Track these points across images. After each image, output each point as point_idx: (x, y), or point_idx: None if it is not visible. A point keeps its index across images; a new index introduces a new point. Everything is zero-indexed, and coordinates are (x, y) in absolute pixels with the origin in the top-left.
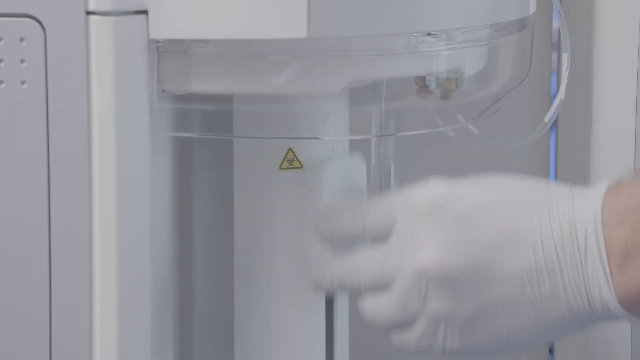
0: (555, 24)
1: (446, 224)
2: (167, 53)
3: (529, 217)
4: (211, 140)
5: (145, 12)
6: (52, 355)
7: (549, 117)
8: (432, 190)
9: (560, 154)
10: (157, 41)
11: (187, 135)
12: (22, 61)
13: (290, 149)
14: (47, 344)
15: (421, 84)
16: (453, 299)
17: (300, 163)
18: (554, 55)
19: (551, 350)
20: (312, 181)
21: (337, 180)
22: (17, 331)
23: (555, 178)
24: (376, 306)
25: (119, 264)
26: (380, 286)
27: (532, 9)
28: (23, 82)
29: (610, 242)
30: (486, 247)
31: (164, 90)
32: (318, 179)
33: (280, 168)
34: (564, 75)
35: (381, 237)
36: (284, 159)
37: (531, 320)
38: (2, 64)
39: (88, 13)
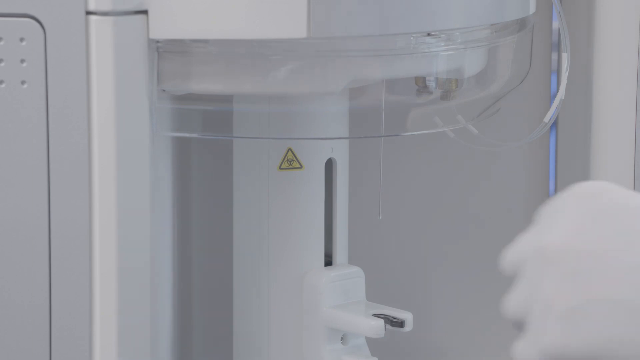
0: (555, 24)
1: (586, 211)
2: (167, 53)
3: None
4: (211, 140)
5: (145, 12)
6: (52, 355)
7: (549, 117)
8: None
9: (560, 154)
10: (157, 41)
11: (187, 135)
12: (22, 61)
13: (290, 149)
14: (47, 344)
15: (421, 84)
16: (566, 281)
17: (299, 163)
18: (554, 55)
19: None
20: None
21: (334, 290)
22: (17, 331)
23: (555, 178)
24: (509, 295)
25: (119, 263)
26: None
27: (532, 9)
28: (23, 82)
29: None
30: (613, 238)
31: (164, 90)
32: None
33: (280, 168)
34: (564, 75)
35: None
36: (284, 159)
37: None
38: (2, 64)
39: (88, 13)
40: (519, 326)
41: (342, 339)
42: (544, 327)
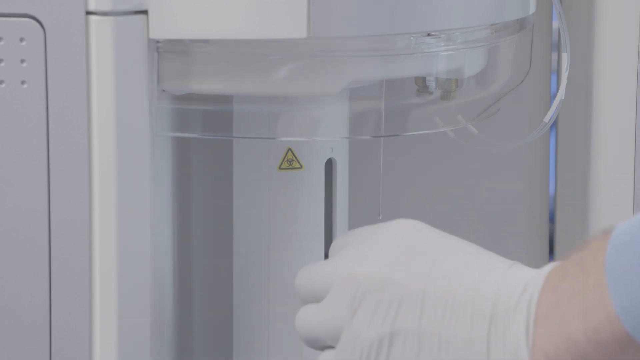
0: (555, 24)
1: (400, 246)
2: (167, 53)
3: (471, 267)
4: (211, 140)
5: (145, 12)
6: (52, 355)
7: (549, 117)
8: (405, 223)
9: (560, 154)
10: (157, 41)
11: (187, 135)
12: (22, 61)
13: (289, 149)
14: (47, 344)
15: (421, 84)
16: (379, 311)
17: (299, 163)
18: (554, 55)
19: None
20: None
21: None
22: (17, 331)
23: (555, 178)
24: (307, 312)
25: (119, 264)
26: (315, 296)
27: (532, 9)
28: (23, 82)
29: (544, 293)
30: (425, 273)
31: (164, 90)
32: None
33: (280, 168)
34: (564, 75)
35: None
36: (284, 159)
37: None
38: (2, 64)
39: (88, 13)
40: (313, 344)
41: None
42: (353, 354)
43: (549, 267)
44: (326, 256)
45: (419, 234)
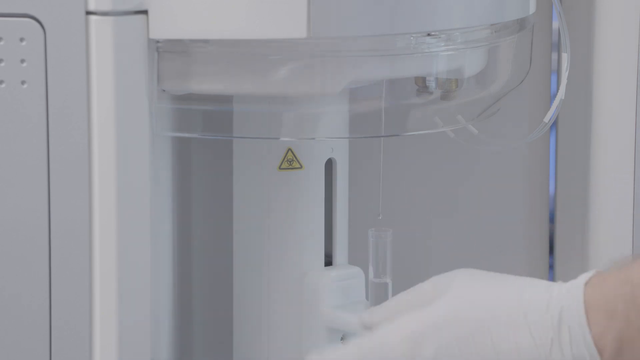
0: (555, 24)
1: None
2: (167, 53)
3: (509, 328)
4: (211, 140)
5: (145, 12)
6: (52, 355)
7: (549, 117)
8: (404, 328)
9: (560, 154)
10: (157, 41)
11: (187, 135)
12: (22, 61)
13: (289, 149)
14: (47, 344)
15: (421, 84)
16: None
17: (299, 163)
18: (554, 55)
19: None
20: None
21: (334, 290)
22: (17, 331)
23: (555, 178)
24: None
25: (119, 264)
26: None
27: (532, 9)
28: (23, 82)
29: (601, 338)
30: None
31: (164, 90)
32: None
33: (280, 168)
34: (564, 75)
35: None
36: (284, 159)
37: None
38: (2, 64)
39: (88, 13)
40: None
41: (342, 339)
42: None
43: (579, 290)
44: (326, 256)
45: (432, 339)
